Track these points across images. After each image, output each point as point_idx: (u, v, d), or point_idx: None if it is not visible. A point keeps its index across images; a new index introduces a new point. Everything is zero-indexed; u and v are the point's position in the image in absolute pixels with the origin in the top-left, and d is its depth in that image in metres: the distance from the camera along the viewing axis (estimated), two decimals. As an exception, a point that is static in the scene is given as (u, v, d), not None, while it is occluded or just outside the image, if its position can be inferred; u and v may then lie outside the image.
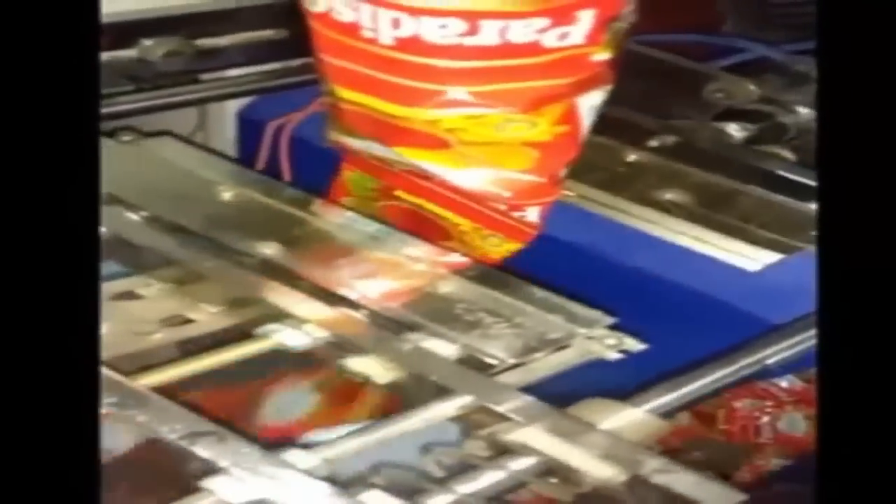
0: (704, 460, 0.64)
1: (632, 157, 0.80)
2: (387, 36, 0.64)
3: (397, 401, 0.54)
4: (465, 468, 0.48)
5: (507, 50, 0.63)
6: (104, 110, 0.75)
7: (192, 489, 0.43)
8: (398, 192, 0.72)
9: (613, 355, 0.57)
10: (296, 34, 0.79)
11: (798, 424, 0.69)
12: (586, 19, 0.64)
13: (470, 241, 0.70)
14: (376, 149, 0.69)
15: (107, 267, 0.61)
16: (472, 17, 0.63)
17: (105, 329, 0.56)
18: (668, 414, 0.54)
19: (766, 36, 1.01)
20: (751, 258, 0.71)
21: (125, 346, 0.56)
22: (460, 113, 0.65)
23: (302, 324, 0.56)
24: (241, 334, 0.56)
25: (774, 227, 0.74)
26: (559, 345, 0.57)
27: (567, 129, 0.68)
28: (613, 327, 0.59)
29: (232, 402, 0.58)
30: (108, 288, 0.60)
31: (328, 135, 0.73)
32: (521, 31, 0.63)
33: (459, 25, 0.63)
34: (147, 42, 0.84)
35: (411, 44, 0.63)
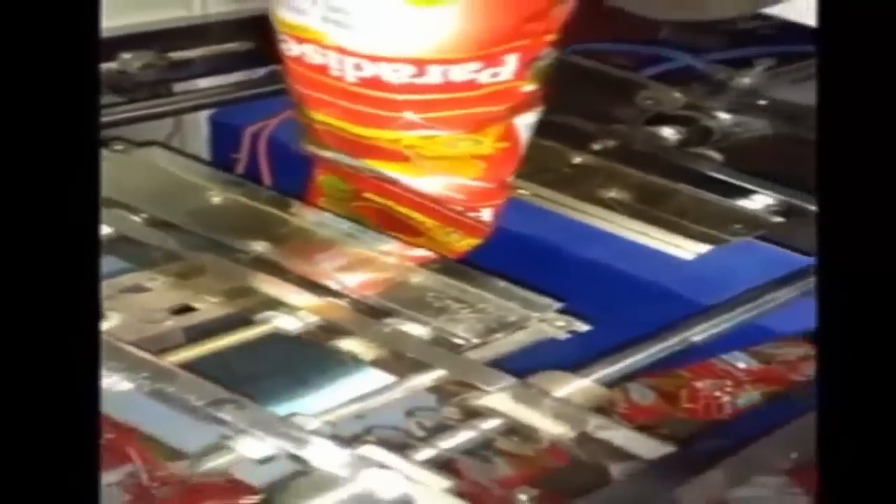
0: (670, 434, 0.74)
1: (577, 159, 0.91)
2: (351, 76, 0.75)
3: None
4: (442, 428, 0.59)
5: (450, 86, 0.75)
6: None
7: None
8: (368, 195, 0.82)
9: (563, 335, 0.68)
10: (260, 46, 0.90)
11: (756, 402, 0.76)
12: (512, 61, 0.76)
13: (434, 237, 0.81)
14: (346, 160, 0.80)
15: (115, 263, 0.71)
16: (420, 63, 0.74)
17: (119, 318, 0.67)
18: (610, 383, 0.64)
19: (700, 43, 1.12)
20: (685, 249, 0.81)
21: (139, 333, 0.66)
22: (416, 134, 0.77)
23: (295, 311, 0.67)
24: (242, 320, 0.67)
25: (705, 222, 0.84)
26: (516, 327, 0.68)
27: (508, 145, 0.79)
28: (563, 311, 0.69)
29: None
30: (117, 282, 0.70)
31: (301, 144, 0.83)
32: (460, 73, 0.75)
33: (410, 69, 0.74)
34: (125, 55, 0.94)
35: (372, 82, 0.75)
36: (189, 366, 0.61)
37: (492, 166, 0.80)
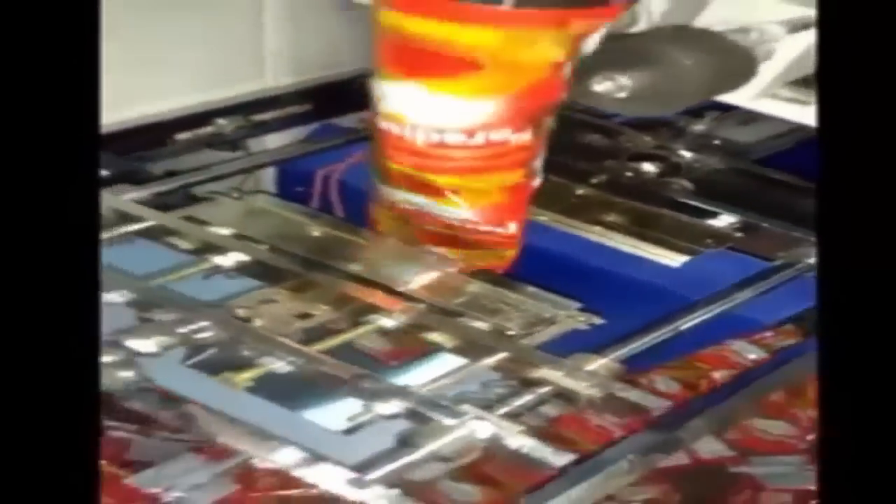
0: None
1: (580, 191, 1.18)
2: (420, 140, 1.03)
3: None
4: (509, 394, 0.85)
5: (490, 145, 1.03)
6: (205, 175, 1.12)
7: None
8: (421, 224, 1.08)
9: (584, 327, 0.94)
10: (318, 108, 1.16)
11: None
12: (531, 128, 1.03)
13: (476, 253, 1.07)
14: (411, 197, 1.06)
15: (250, 282, 0.97)
16: (469, 132, 1.02)
17: (261, 322, 0.92)
18: (623, 361, 0.90)
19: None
20: (671, 258, 1.08)
21: (279, 333, 0.91)
22: (464, 177, 1.04)
23: (389, 313, 0.92)
24: (352, 322, 0.93)
25: (683, 237, 1.11)
26: (550, 322, 0.94)
27: (526, 179, 1.06)
28: (582, 309, 0.95)
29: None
30: (254, 296, 0.95)
31: (376, 182, 1.09)
32: (497, 136, 1.02)
33: (462, 136, 1.02)
34: (221, 121, 1.20)
35: (435, 144, 1.02)
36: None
37: (514, 194, 1.07)
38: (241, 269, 0.97)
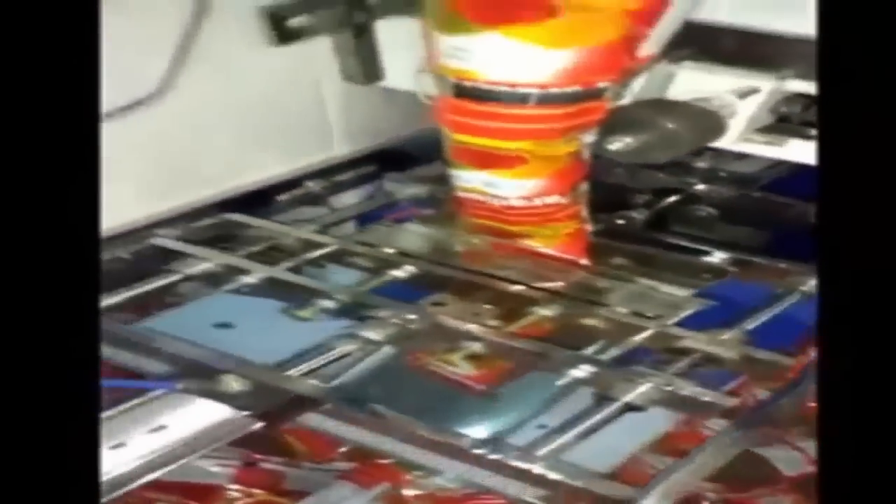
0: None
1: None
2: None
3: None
4: (663, 360, 1.06)
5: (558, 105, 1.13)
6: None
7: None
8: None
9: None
10: (377, 171, 1.40)
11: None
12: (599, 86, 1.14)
13: (538, 233, 1.23)
14: (470, 176, 1.20)
15: (422, 290, 1.18)
16: (543, 87, 1.13)
17: (436, 322, 1.12)
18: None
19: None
20: (675, 293, 1.20)
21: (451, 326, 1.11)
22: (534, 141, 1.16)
23: (546, 303, 1.14)
24: (517, 314, 1.13)
25: (683, 274, 1.24)
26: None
27: (580, 148, 1.18)
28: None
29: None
30: (428, 299, 1.16)
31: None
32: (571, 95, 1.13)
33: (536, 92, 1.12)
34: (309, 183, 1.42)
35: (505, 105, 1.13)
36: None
37: (576, 160, 1.20)
38: (413, 281, 1.20)
